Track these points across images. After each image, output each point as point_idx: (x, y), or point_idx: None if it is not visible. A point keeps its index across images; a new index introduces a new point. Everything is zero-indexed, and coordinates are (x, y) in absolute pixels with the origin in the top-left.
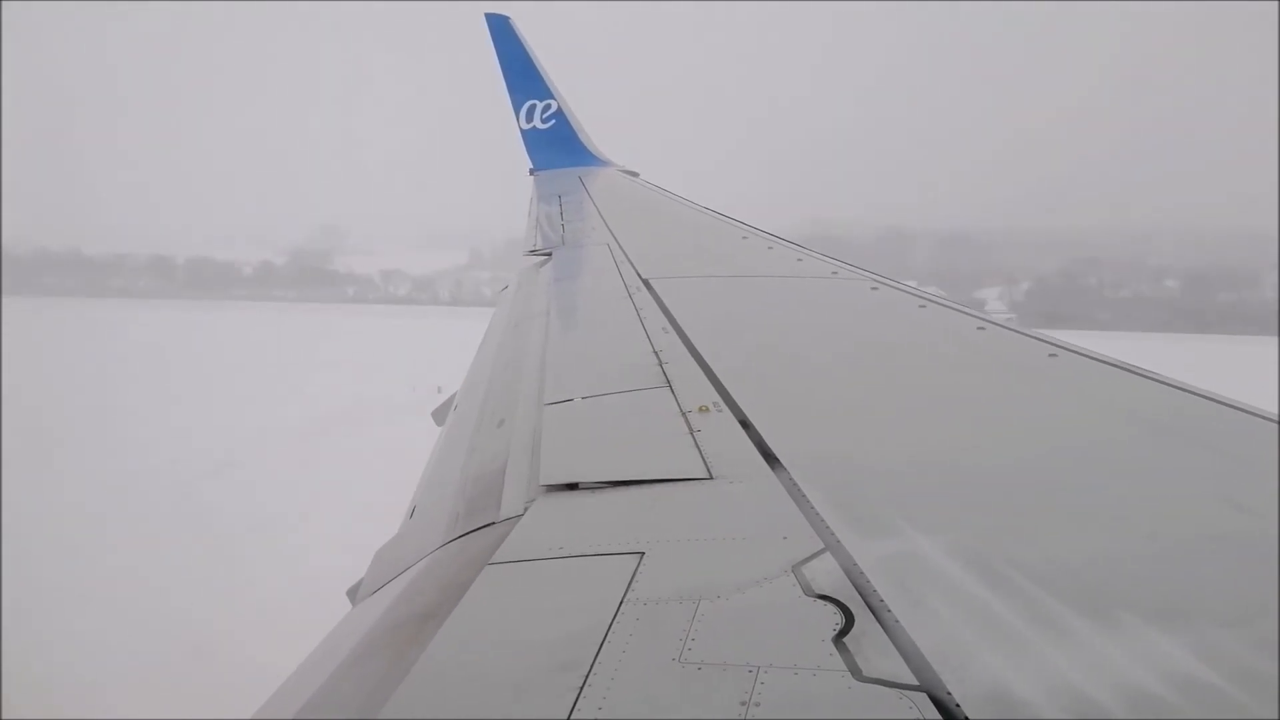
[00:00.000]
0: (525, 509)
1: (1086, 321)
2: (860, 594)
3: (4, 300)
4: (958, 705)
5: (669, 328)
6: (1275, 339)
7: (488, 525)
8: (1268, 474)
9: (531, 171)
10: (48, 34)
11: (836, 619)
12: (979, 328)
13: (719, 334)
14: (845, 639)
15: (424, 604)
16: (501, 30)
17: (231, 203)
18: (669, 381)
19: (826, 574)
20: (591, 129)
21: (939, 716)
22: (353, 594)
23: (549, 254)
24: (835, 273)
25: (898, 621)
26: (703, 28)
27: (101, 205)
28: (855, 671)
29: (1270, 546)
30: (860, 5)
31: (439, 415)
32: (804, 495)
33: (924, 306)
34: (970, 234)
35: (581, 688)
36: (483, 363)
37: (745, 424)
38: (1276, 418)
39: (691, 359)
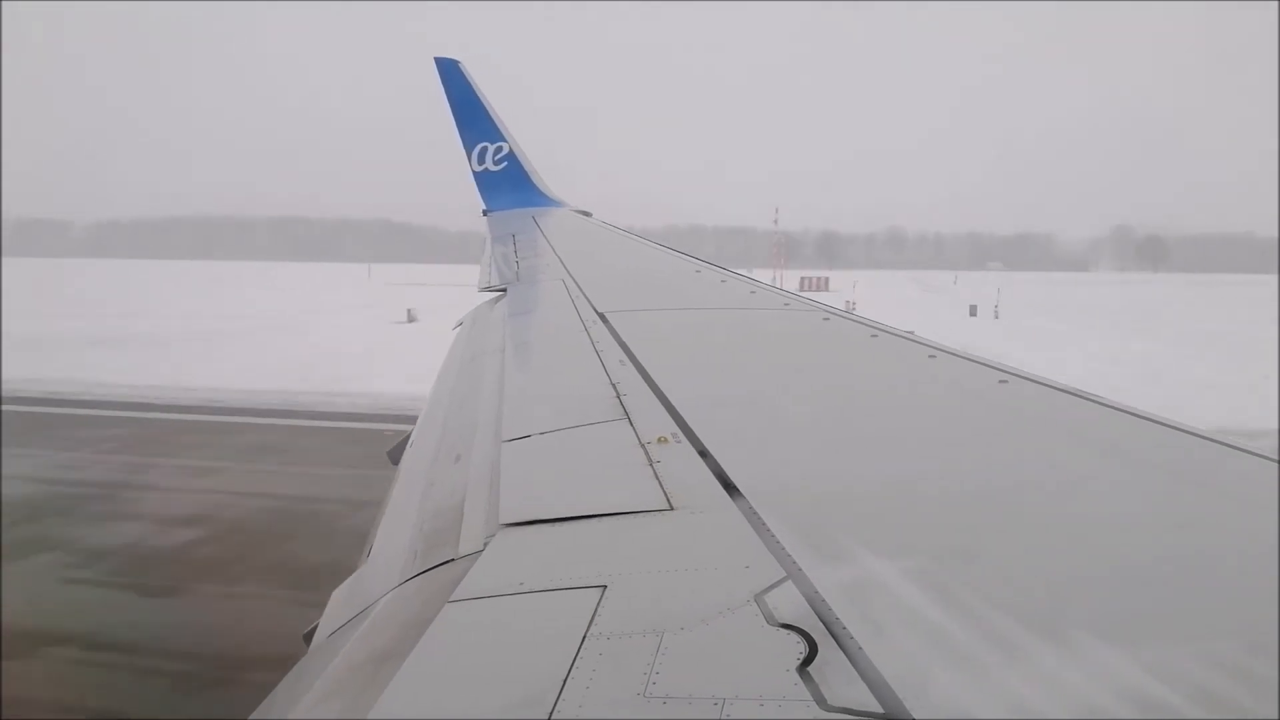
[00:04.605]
0: (485, 544)
1: None
2: (823, 621)
3: None
4: None
5: (626, 360)
6: None
7: (447, 562)
8: (1215, 493)
9: (485, 213)
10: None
11: (800, 648)
12: (930, 355)
13: (676, 366)
14: (809, 668)
15: (382, 644)
16: (451, 74)
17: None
18: (627, 414)
19: (789, 602)
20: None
21: None
22: (309, 637)
23: (503, 290)
24: (787, 304)
25: (860, 649)
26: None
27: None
28: (820, 700)
29: (1223, 564)
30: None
31: (394, 454)
32: (764, 524)
33: (875, 336)
34: None
35: None
36: (438, 399)
37: (704, 454)
38: (1222, 440)
39: (649, 391)
